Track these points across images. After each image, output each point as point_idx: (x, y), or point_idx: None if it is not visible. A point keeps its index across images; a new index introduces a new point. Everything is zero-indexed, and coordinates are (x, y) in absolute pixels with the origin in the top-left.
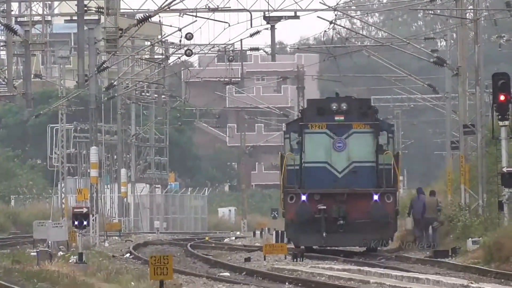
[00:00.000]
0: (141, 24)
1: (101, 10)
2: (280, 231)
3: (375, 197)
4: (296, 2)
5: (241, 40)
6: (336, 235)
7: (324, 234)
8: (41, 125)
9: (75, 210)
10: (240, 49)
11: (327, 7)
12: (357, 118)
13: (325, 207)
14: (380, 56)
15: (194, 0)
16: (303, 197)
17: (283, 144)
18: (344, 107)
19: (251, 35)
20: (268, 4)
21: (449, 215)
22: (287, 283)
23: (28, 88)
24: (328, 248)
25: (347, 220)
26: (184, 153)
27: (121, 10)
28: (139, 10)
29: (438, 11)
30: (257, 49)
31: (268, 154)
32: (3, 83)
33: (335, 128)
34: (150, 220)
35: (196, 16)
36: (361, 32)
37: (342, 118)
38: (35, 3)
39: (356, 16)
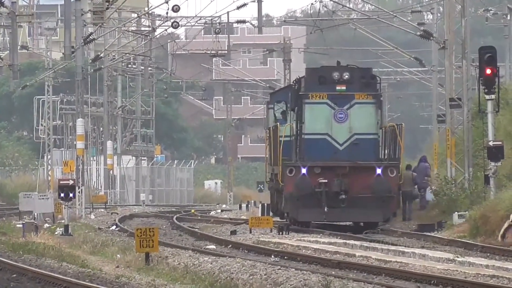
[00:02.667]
0: None
1: None
2: (266, 204)
3: (378, 170)
4: None
5: (227, 12)
6: (338, 210)
7: (325, 209)
8: (28, 96)
9: (61, 182)
10: (226, 21)
11: None
12: (359, 88)
13: (326, 180)
14: (366, 29)
15: None
16: (303, 170)
17: (266, 116)
18: (346, 76)
19: (238, 8)
20: None
21: (435, 189)
22: (272, 256)
23: (15, 60)
24: (322, 223)
25: (348, 194)
26: (170, 125)
27: None
28: None
29: None
30: (243, 21)
31: (255, 126)
32: None
33: (336, 99)
34: (136, 192)
35: None
36: (348, 5)
37: (344, 88)
38: None
39: None
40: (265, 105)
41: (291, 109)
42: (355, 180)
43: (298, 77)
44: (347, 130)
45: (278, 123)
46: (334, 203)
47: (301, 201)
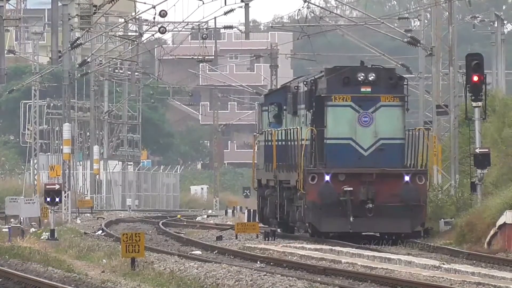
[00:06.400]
0: (115, 0)
1: None
2: (252, 210)
3: (407, 178)
4: None
5: (215, 18)
6: (364, 220)
7: (351, 219)
8: (14, 101)
9: (47, 186)
10: (214, 27)
11: None
12: (385, 89)
13: (351, 188)
14: (353, 36)
15: None
16: (327, 177)
17: (258, 119)
18: (372, 77)
19: (225, 13)
20: None
21: None
22: (258, 262)
23: (2, 64)
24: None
25: (375, 203)
26: (156, 130)
27: None
28: None
29: None
30: (231, 27)
31: (241, 132)
32: None
33: (361, 101)
34: (122, 197)
35: None
36: (335, 11)
37: (369, 89)
38: None
39: None
40: (257, 107)
41: (292, 112)
42: (382, 188)
43: (313, 77)
44: (372, 134)
45: (298, 127)
46: (360, 212)
47: (324, 210)
